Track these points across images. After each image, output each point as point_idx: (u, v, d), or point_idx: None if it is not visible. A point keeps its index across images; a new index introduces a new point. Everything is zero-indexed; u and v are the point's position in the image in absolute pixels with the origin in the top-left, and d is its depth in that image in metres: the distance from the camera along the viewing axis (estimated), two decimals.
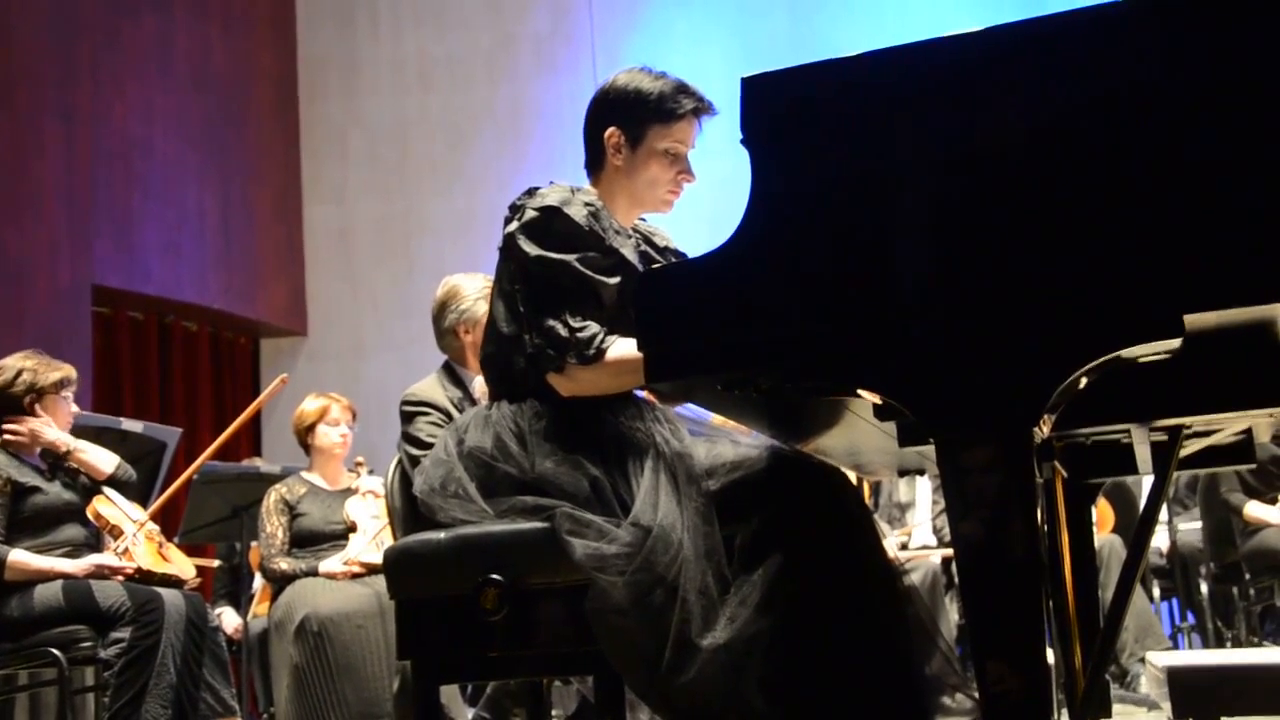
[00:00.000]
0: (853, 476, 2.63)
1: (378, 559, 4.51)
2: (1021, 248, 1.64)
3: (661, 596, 2.04)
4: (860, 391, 1.75)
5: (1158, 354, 1.69)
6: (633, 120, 2.48)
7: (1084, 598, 2.65)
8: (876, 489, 6.11)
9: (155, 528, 4.40)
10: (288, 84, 9.09)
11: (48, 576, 3.94)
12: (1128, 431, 2.16)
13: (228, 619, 5.75)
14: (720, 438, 2.33)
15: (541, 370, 2.33)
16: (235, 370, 8.83)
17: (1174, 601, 6.49)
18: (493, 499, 2.25)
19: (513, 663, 2.26)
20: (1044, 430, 1.75)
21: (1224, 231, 1.55)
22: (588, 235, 2.36)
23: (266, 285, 8.69)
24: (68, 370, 4.34)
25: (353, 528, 4.99)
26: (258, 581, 5.80)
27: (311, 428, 5.25)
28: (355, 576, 4.80)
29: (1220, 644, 5.91)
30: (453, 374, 3.82)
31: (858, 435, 2.17)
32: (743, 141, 1.81)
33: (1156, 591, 6.23)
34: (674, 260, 2.57)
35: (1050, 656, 2.16)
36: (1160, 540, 5.93)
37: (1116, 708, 4.08)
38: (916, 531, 5.94)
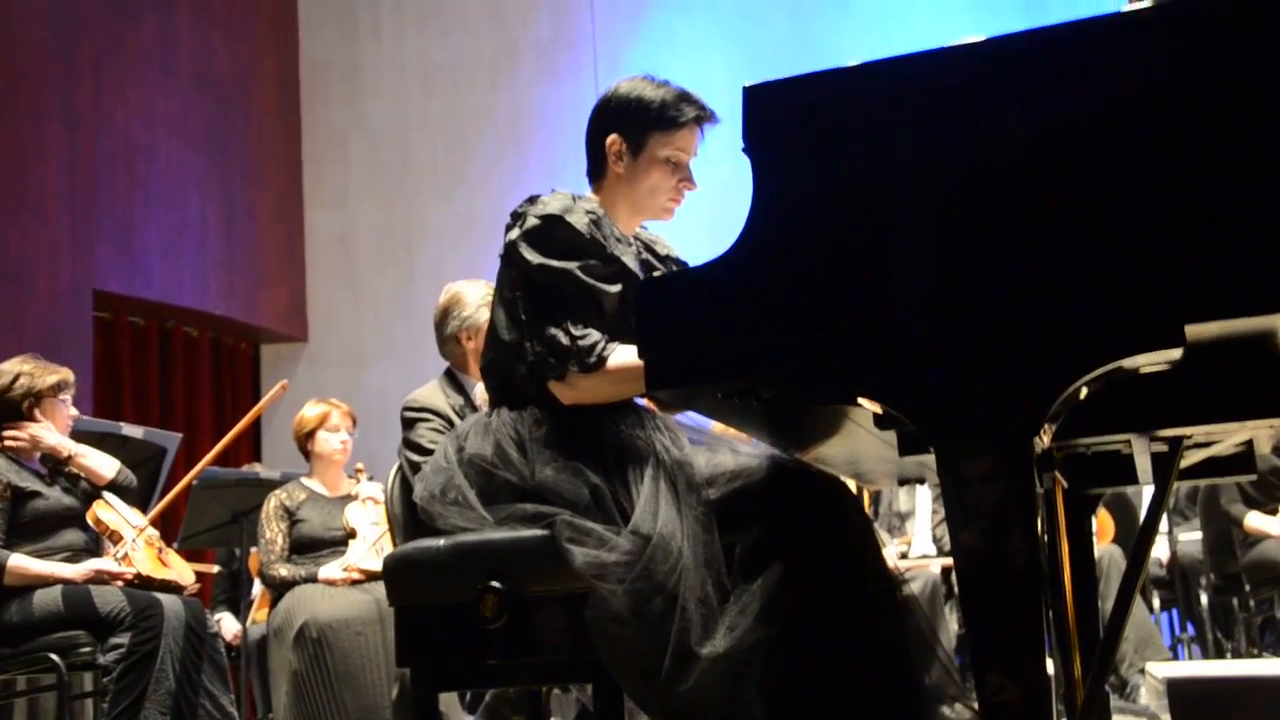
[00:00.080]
0: (853, 485, 2.63)
1: (377, 565, 4.50)
2: (1022, 257, 1.64)
3: (661, 605, 2.04)
4: (860, 400, 1.75)
5: (1159, 364, 1.68)
6: (634, 128, 2.48)
7: (1084, 608, 2.65)
8: (876, 498, 6.11)
9: (155, 533, 4.40)
10: (289, 88, 9.10)
11: (47, 581, 3.94)
12: (1128, 442, 2.16)
13: (227, 625, 5.74)
14: (720, 446, 2.33)
15: (543, 378, 2.33)
16: (236, 376, 8.83)
17: (1174, 612, 6.49)
18: (493, 506, 2.25)
19: (512, 670, 2.26)
20: (1044, 440, 1.75)
21: (1225, 242, 1.55)
22: (589, 243, 2.36)
23: (267, 290, 8.69)
24: (65, 373, 4.33)
25: (352, 534, 4.99)
26: (257, 587, 5.80)
27: (312, 434, 5.25)
28: (355, 583, 4.80)
29: (1220, 655, 5.91)
30: (454, 380, 3.82)
31: (858, 444, 2.17)
32: (744, 150, 1.81)
33: (1156, 602, 6.23)
34: (675, 268, 2.57)
35: (1050, 667, 2.15)
36: (1160, 551, 5.93)
37: (1116, 718, 4.07)
38: (916, 540, 5.94)
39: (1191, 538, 6.07)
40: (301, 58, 9.20)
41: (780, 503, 2.17)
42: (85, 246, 7.25)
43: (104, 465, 4.30)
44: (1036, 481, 1.66)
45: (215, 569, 6.22)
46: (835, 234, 1.75)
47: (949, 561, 5.40)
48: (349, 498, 5.17)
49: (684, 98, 2.49)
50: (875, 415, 1.78)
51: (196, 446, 7.16)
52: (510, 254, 2.42)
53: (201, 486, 5.22)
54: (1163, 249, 1.57)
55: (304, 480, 5.26)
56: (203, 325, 8.44)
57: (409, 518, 2.59)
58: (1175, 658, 5.97)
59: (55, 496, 4.16)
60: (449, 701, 4.18)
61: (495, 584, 2.16)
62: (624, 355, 2.26)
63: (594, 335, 2.30)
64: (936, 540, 5.86)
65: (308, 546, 4.98)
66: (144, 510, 4.54)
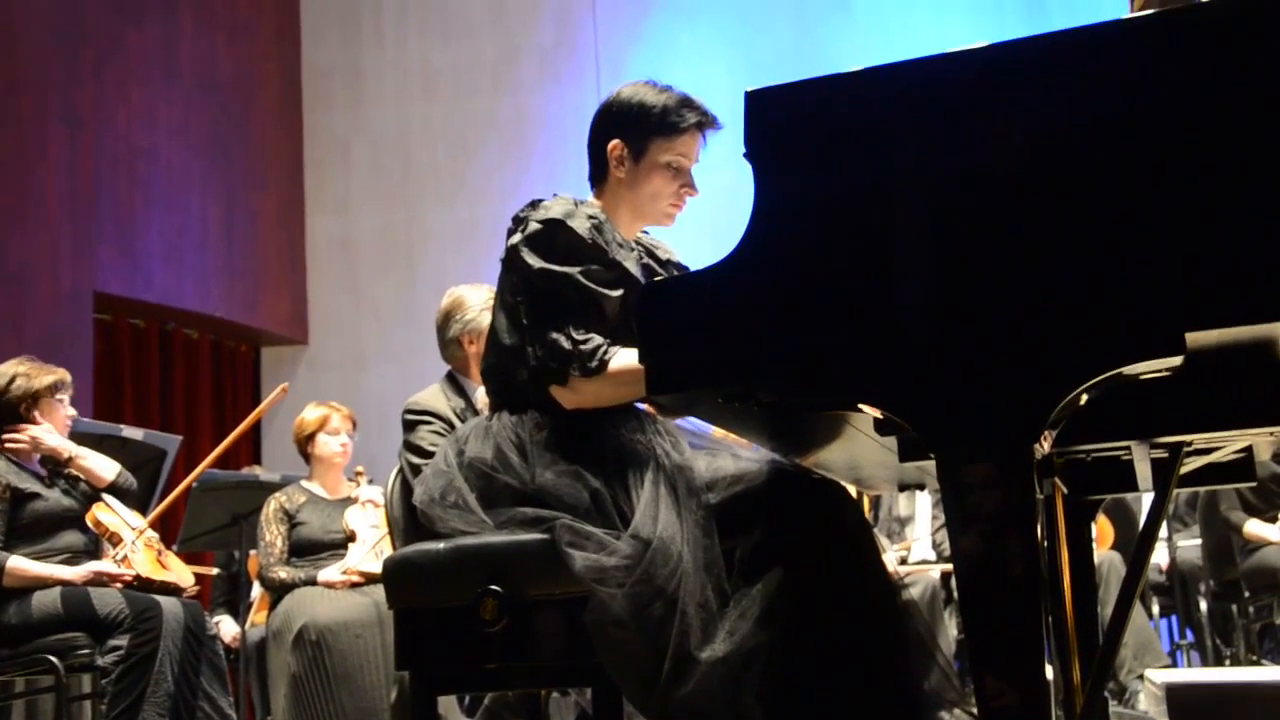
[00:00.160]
0: (853, 490, 2.63)
1: (376, 568, 4.50)
2: (1023, 264, 1.64)
3: (661, 609, 2.04)
4: (861, 406, 1.75)
5: (1159, 371, 1.69)
6: (636, 133, 2.48)
7: (1083, 614, 2.65)
8: (876, 503, 6.11)
9: (154, 535, 4.40)
10: (292, 92, 9.10)
11: (46, 583, 3.94)
12: (1128, 448, 2.16)
13: (226, 627, 5.74)
14: (721, 451, 2.33)
15: (545, 383, 2.33)
16: (236, 378, 8.83)
17: (1173, 619, 6.49)
18: (492, 510, 2.25)
19: (511, 674, 2.26)
20: (1045, 446, 1.75)
21: (1226, 250, 1.55)
22: (591, 248, 2.36)
23: (268, 294, 8.69)
24: (61, 374, 4.33)
25: (352, 537, 4.99)
26: (256, 590, 5.80)
27: (311, 437, 5.26)
28: (354, 586, 4.80)
29: (1219, 662, 5.91)
30: (456, 384, 3.82)
31: (858, 449, 2.17)
32: (745, 155, 1.81)
33: (1156, 608, 6.23)
34: (676, 273, 2.57)
35: (1049, 672, 2.16)
36: (1160, 557, 5.93)
37: None
38: (916, 546, 5.94)
39: (1191, 544, 6.07)
40: (304, 61, 9.20)
41: (780, 508, 2.17)
42: (86, 249, 7.25)
43: (104, 467, 4.30)
44: (1036, 487, 1.66)
45: (214, 571, 6.21)
46: (836, 239, 1.75)
47: (948, 567, 5.40)
48: (349, 501, 5.18)
49: (686, 103, 2.49)
50: (875, 420, 1.79)
51: (196, 449, 7.16)
52: (512, 258, 2.42)
53: (201, 489, 5.22)
54: (1163, 256, 1.58)
55: (304, 483, 5.26)
56: (203, 328, 8.44)
57: (409, 521, 2.59)
58: (1174, 664, 5.97)
59: (55, 498, 4.16)
60: (448, 705, 4.18)
61: (495, 587, 2.16)
62: (626, 359, 2.26)
63: (596, 339, 2.30)
64: (936, 546, 5.86)
65: (307, 549, 4.99)
66: (143, 512, 4.55)
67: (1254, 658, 5.65)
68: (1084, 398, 1.71)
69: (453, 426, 3.54)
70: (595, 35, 8.91)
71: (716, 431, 2.45)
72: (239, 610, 5.72)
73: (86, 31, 7.40)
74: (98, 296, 7.34)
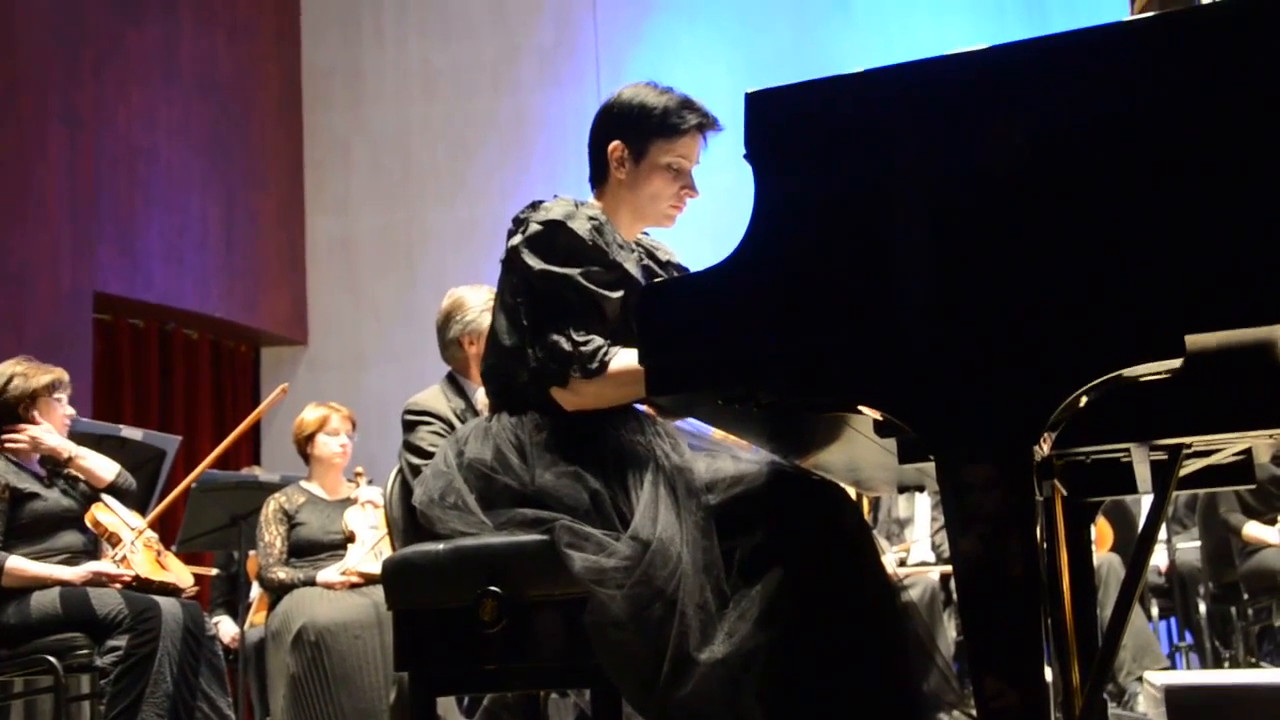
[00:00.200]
0: (852, 492, 2.63)
1: (376, 569, 4.51)
2: (1023, 266, 1.64)
3: (660, 610, 2.04)
4: (861, 408, 1.75)
5: (1159, 373, 1.69)
6: (636, 134, 2.48)
7: (1082, 616, 2.65)
8: (876, 505, 6.11)
9: (153, 535, 4.40)
10: (292, 92, 9.10)
11: (45, 583, 3.94)
12: (1128, 450, 2.16)
13: (225, 628, 5.74)
14: (720, 452, 2.33)
15: (545, 384, 2.33)
16: (236, 379, 8.83)
17: (1172, 621, 6.49)
18: (492, 511, 2.25)
19: (510, 675, 2.26)
20: (1044, 448, 1.75)
21: (1226, 251, 1.55)
22: (591, 249, 2.36)
23: (268, 294, 8.69)
24: (59, 373, 4.33)
25: (351, 538, 4.99)
26: (255, 590, 5.80)
27: (311, 437, 5.25)
28: (353, 586, 4.80)
29: (1218, 664, 5.91)
30: (456, 385, 3.82)
31: (858, 451, 2.17)
32: (746, 156, 1.81)
33: (1155, 610, 6.23)
34: (676, 274, 2.57)
35: (1048, 674, 2.15)
36: (1159, 559, 5.93)
37: None
38: (915, 547, 5.94)
39: (1190, 546, 6.07)
40: (304, 62, 9.20)
41: (780, 509, 2.17)
42: (86, 249, 7.25)
43: (103, 467, 4.30)
44: (1036, 489, 1.66)
45: (214, 572, 6.21)
46: (836, 241, 1.75)
47: (948, 568, 5.40)
48: (348, 501, 5.17)
49: (686, 105, 2.49)
50: (875, 422, 1.79)
51: (196, 449, 7.16)
52: (512, 259, 2.42)
53: (200, 489, 5.22)
54: (1163, 257, 1.58)
55: (303, 483, 5.26)
56: (203, 328, 8.44)
57: (408, 521, 2.59)
58: (1173, 666, 5.97)
59: (54, 498, 4.16)
60: (447, 706, 4.18)
61: (494, 588, 2.16)
62: (626, 360, 2.26)
63: (596, 340, 2.30)
64: (935, 547, 5.86)
65: (306, 550, 4.98)
66: (143, 513, 4.55)
67: (1253, 660, 5.65)
68: (1084, 399, 1.71)
69: (453, 427, 3.54)
70: (595, 36, 8.91)
71: (716, 433, 2.45)
72: (238, 611, 5.71)
73: (86, 31, 7.40)
74: (98, 296, 7.34)
